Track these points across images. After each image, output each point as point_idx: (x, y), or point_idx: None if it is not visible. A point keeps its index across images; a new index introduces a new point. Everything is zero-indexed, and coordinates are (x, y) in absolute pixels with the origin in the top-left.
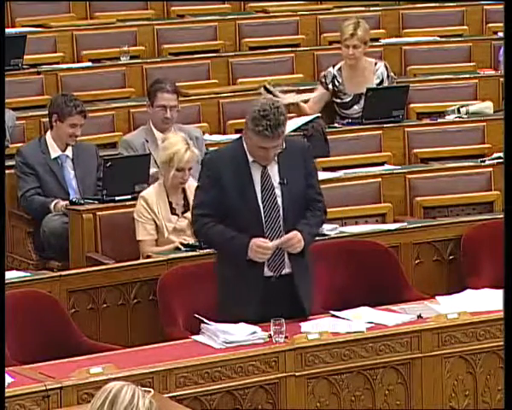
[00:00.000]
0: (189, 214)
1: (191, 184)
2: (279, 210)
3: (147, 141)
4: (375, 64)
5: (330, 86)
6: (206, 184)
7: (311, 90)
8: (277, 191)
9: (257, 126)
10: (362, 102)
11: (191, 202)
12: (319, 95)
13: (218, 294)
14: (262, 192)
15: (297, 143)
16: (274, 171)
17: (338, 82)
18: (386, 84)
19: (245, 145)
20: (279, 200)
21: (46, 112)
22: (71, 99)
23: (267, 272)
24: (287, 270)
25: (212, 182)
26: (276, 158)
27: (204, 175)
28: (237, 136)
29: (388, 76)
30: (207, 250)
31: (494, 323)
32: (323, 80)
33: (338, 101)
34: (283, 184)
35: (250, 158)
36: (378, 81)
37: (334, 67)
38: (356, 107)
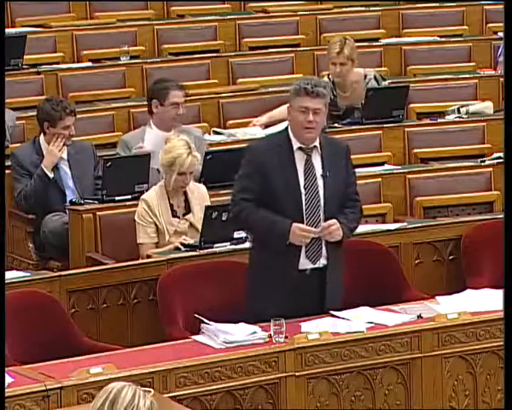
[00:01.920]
0: (190, 216)
1: (192, 187)
2: (319, 200)
3: (143, 141)
4: (365, 77)
5: None
6: (250, 170)
7: None
8: (319, 182)
9: (298, 85)
10: (355, 115)
11: (192, 205)
12: None
13: (249, 280)
14: (305, 180)
15: (340, 144)
16: (317, 162)
17: (334, 95)
18: None
19: (290, 133)
20: (321, 191)
21: None
22: (57, 103)
23: (303, 264)
24: (323, 261)
25: (256, 168)
26: (319, 151)
27: (248, 161)
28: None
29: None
30: (207, 250)
31: (494, 323)
32: None
33: (332, 113)
34: (326, 176)
35: (295, 145)
36: None
37: (329, 77)
38: (350, 120)
